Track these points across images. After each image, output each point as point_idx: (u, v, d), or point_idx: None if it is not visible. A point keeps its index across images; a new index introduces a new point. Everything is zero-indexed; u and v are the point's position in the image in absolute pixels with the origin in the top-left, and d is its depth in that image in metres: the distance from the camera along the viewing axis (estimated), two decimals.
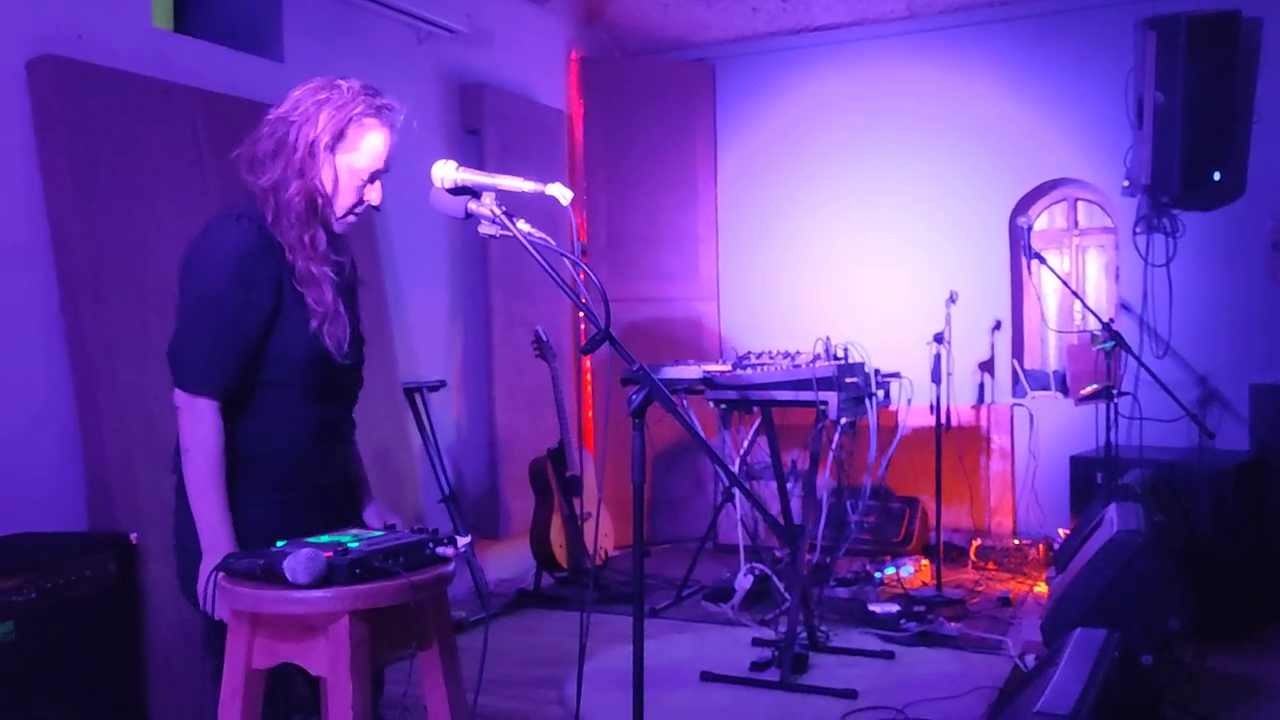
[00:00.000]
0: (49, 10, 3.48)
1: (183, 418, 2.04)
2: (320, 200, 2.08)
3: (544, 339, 5.01)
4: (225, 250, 2.03)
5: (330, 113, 2.05)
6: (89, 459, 3.41)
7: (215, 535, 2.00)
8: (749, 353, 4.44)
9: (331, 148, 2.06)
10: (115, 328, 3.45)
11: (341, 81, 2.09)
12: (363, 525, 2.27)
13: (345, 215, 2.14)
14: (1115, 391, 4.64)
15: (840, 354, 4.19)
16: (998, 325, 6.00)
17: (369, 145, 2.09)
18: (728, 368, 4.31)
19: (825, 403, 3.96)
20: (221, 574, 1.88)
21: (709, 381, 4.24)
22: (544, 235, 2.08)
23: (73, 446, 3.42)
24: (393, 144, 2.12)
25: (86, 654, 2.97)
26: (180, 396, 2.04)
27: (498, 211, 2.08)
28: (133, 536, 3.15)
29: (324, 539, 1.91)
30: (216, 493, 2.02)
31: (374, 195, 2.14)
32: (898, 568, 5.29)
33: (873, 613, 4.56)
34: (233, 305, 2.02)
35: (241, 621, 1.88)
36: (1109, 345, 4.65)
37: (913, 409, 4.84)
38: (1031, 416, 5.90)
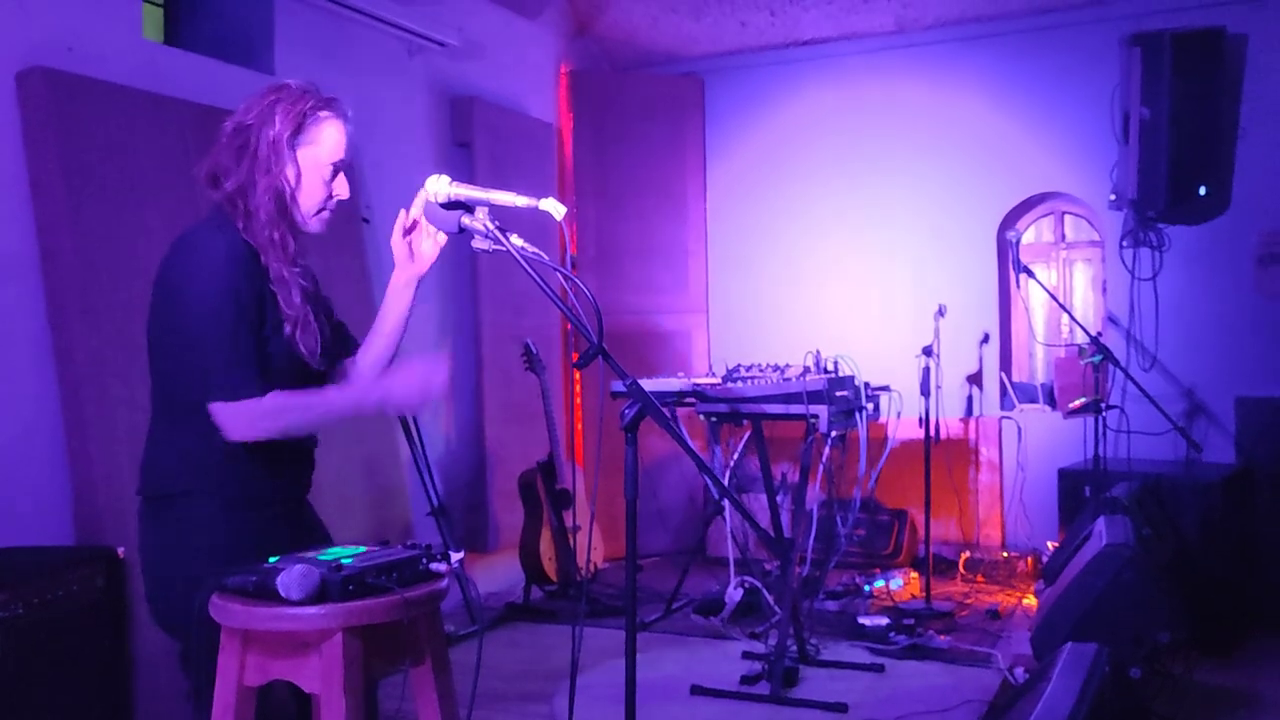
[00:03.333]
0: (39, 22, 3.47)
1: (234, 424, 2.00)
2: (288, 197, 2.11)
3: (533, 351, 5.01)
4: (217, 258, 2.04)
5: (285, 108, 2.09)
6: (76, 472, 3.39)
7: (364, 400, 2.14)
8: (739, 366, 4.43)
9: (292, 143, 2.09)
10: (104, 340, 3.43)
11: (288, 81, 2.15)
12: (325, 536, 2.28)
13: (318, 212, 2.17)
14: (1103, 404, 4.66)
15: (830, 367, 4.20)
16: (986, 338, 6.03)
17: (327, 137, 2.13)
18: (718, 381, 4.31)
19: (816, 416, 3.96)
20: (215, 592, 1.87)
21: (699, 395, 4.23)
22: (537, 250, 2.07)
23: (60, 460, 3.40)
24: (349, 134, 2.16)
25: (73, 668, 2.95)
26: (222, 409, 2.00)
27: (491, 226, 2.07)
28: (120, 551, 3.12)
29: (318, 555, 1.90)
30: (322, 399, 2.14)
31: (341, 188, 2.18)
32: (887, 580, 5.29)
33: (862, 625, 4.56)
34: (237, 308, 2.03)
35: (233, 638, 1.86)
36: (1096, 358, 4.67)
37: (902, 422, 4.85)
38: (1019, 429, 5.92)
